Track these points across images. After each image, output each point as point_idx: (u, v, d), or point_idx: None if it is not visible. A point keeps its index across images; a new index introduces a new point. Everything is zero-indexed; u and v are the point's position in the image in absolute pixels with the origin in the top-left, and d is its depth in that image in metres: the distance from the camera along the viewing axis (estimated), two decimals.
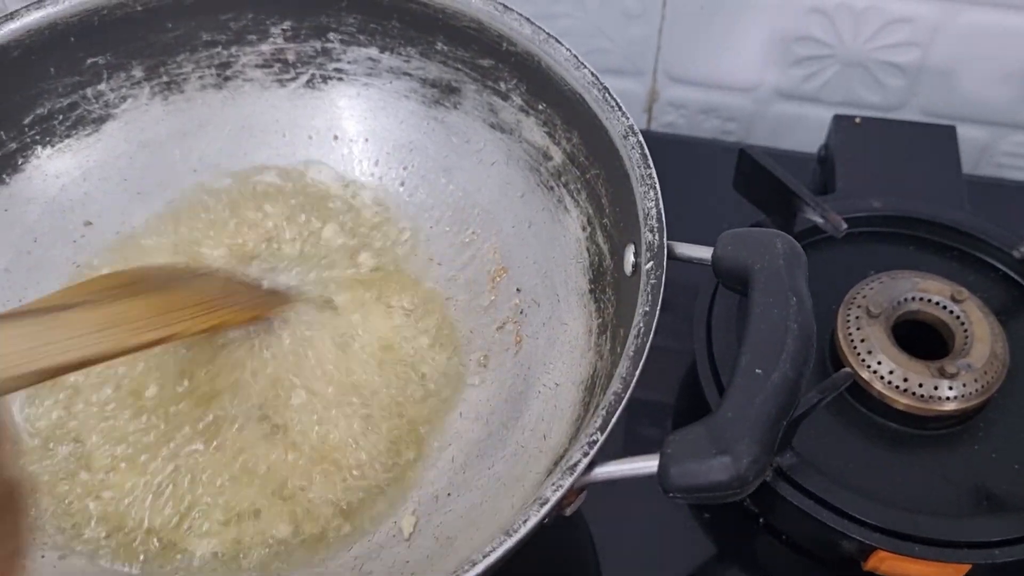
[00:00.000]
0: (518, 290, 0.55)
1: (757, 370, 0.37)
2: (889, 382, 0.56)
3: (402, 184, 0.60)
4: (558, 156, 0.54)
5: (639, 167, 0.46)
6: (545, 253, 0.55)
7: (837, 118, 0.72)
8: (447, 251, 0.58)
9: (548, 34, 0.52)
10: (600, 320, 0.49)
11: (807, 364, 0.38)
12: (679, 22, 0.79)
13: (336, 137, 0.61)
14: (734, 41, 0.80)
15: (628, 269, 0.47)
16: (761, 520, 0.59)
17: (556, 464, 0.45)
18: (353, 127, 0.61)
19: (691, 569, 0.58)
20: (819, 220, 0.61)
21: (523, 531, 0.36)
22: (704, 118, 0.85)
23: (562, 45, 0.52)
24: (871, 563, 0.53)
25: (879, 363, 0.56)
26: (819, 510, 0.53)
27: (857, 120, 0.71)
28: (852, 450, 0.56)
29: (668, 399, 0.64)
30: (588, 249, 0.52)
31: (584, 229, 0.52)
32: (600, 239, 0.51)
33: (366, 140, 0.61)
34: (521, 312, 0.54)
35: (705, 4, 0.78)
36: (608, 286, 0.49)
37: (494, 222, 0.57)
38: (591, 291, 0.51)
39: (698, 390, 0.57)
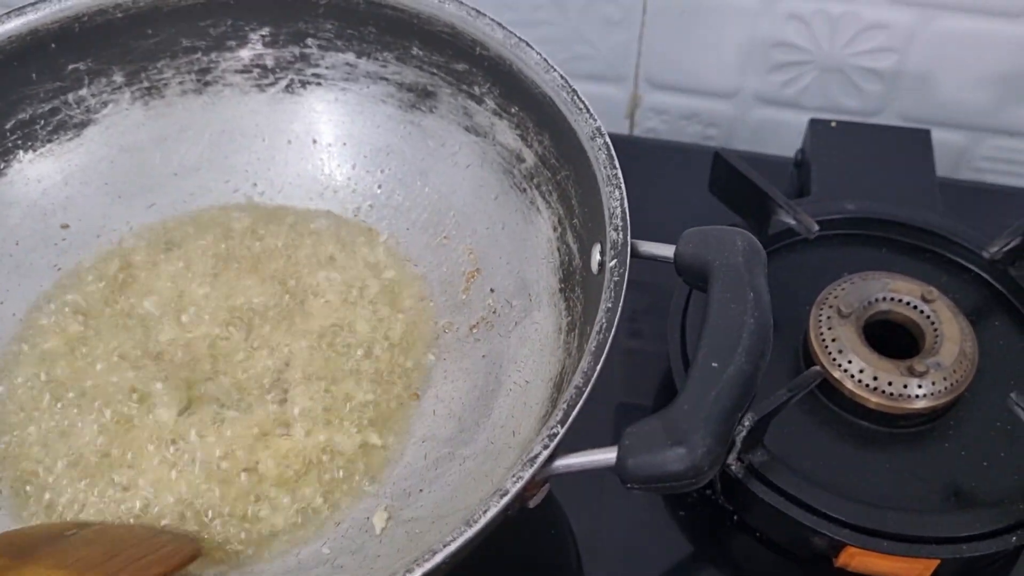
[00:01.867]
0: (492, 290, 0.56)
1: (713, 363, 0.38)
2: (860, 381, 0.57)
3: (379, 187, 0.61)
4: (530, 158, 0.55)
5: (605, 167, 0.47)
6: (518, 254, 0.55)
7: (813, 122, 0.73)
8: (423, 252, 0.59)
9: (519, 38, 0.53)
10: (569, 319, 0.50)
11: (763, 357, 0.39)
12: (659, 28, 0.80)
13: (315, 141, 0.62)
14: (714, 47, 0.80)
15: (595, 268, 0.47)
16: (735, 517, 0.59)
17: (521, 459, 0.45)
18: (331, 131, 0.62)
19: (667, 566, 0.59)
20: (792, 222, 0.61)
21: (483, 521, 0.37)
22: (686, 123, 0.86)
23: (532, 49, 0.53)
24: (842, 559, 0.54)
25: (850, 362, 0.57)
26: (791, 507, 0.54)
27: (833, 124, 0.72)
28: (823, 448, 0.57)
29: (651, 401, 0.65)
30: (559, 249, 0.53)
31: (555, 229, 0.53)
32: (570, 239, 0.52)
33: (344, 144, 0.62)
34: (494, 312, 0.55)
35: (684, 10, 0.78)
36: (577, 285, 0.50)
37: (469, 223, 0.58)
38: (561, 290, 0.52)
39: (675, 391, 0.58)
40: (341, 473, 0.50)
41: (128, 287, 0.58)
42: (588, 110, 0.50)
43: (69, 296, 0.57)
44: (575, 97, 0.50)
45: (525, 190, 0.56)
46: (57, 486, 0.50)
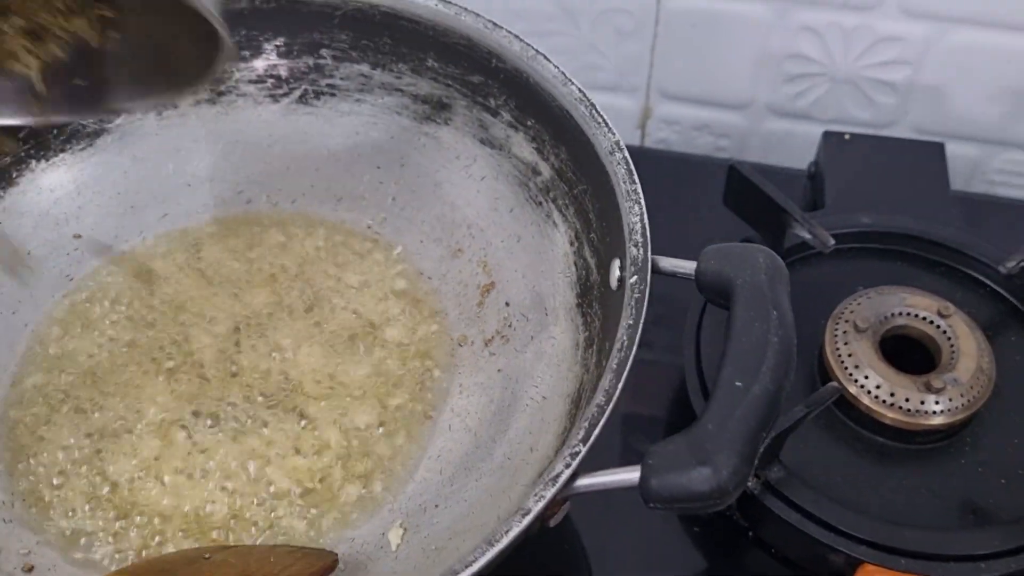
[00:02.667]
0: (507, 304, 0.55)
1: (737, 382, 0.38)
2: (876, 396, 0.56)
3: (393, 199, 0.61)
4: (546, 171, 0.55)
5: (624, 182, 0.47)
6: (534, 267, 0.55)
7: (827, 134, 0.72)
8: (437, 265, 0.59)
9: (536, 51, 0.53)
10: (587, 334, 0.50)
11: (788, 377, 0.38)
12: (672, 39, 0.80)
13: (328, 152, 0.61)
14: (726, 58, 0.80)
15: (614, 283, 0.47)
16: (751, 533, 0.59)
17: (541, 476, 0.45)
18: (345, 142, 0.61)
19: None
20: (807, 236, 0.61)
21: (505, 541, 0.37)
22: (697, 135, 0.86)
23: (550, 62, 0.53)
24: None
25: (866, 377, 0.57)
26: (807, 524, 0.53)
27: (846, 136, 0.72)
28: (840, 464, 0.56)
29: (663, 413, 0.65)
30: (576, 264, 0.52)
31: (572, 244, 0.53)
32: (587, 253, 0.51)
33: (358, 155, 0.61)
34: (509, 326, 0.55)
35: (697, 22, 0.78)
36: (595, 300, 0.50)
37: (483, 236, 0.58)
38: (578, 305, 0.51)
39: (688, 404, 0.58)
40: (355, 488, 0.50)
41: (140, 297, 0.58)
42: (606, 124, 0.49)
43: (81, 307, 0.57)
44: (593, 111, 0.50)
45: (541, 203, 0.55)
46: (67, 490, 0.50)
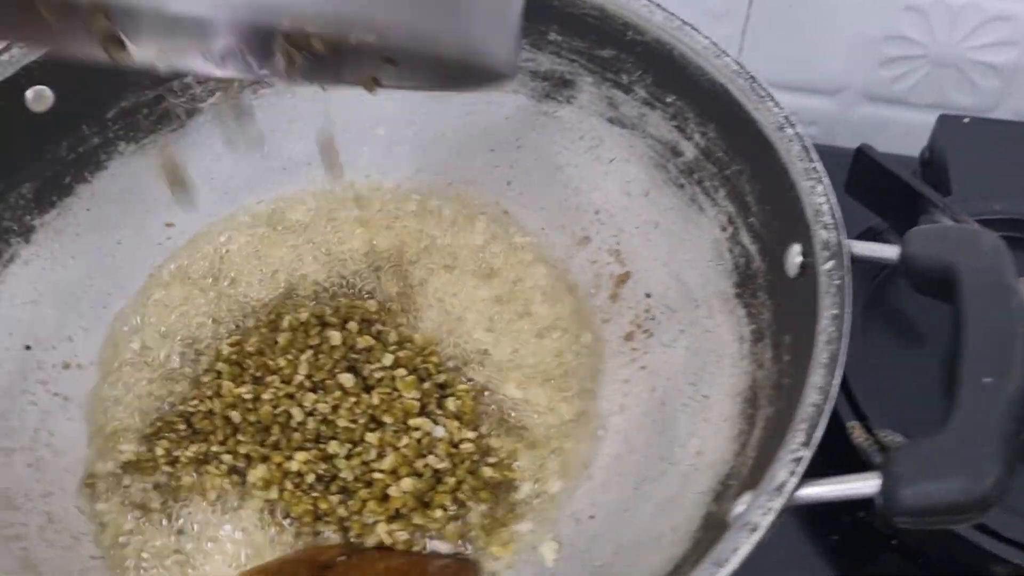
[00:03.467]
0: (647, 295, 0.51)
1: (986, 379, 0.34)
2: None
3: (508, 183, 0.56)
4: (690, 151, 0.51)
5: (801, 160, 0.43)
6: (675, 256, 0.51)
7: (943, 118, 0.69)
8: (560, 254, 0.54)
9: (683, 21, 0.49)
10: (754, 327, 0.46)
11: None
12: (764, 22, 0.76)
13: (437, 133, 0.57)
14: (821, 42, 0.76)
15: (792, 270, 0.43)
16: (894, 541, 0.55)
17: (723, 483, 0.41)
18: (455, 122, 0.57)
19: None
20: (949, 223, 0.57)
21: (735, 561, 0.32)
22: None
23: (699, 33, 0.48)
24: None
25: None
26: (973, 532, 0.49)
27: (965, 120, 0.68)
28: None
29: None
30: (731, 251, 0.48)
31: (724, 229, 0.49)
32: (746, 239, 0.47)
33: (469, 136, 0.57)
34: (652, 319, 0.50)
35: (793, 2, 0.74)
36: (760, 290, 0.46)
37: (614, 223, 0.54)
38: (738, 296, 0.47)
39: None
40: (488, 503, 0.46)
41: (220, 288, 0.53)
42: (771, 98, 0.45)
43: (175, 296, 0.52)
44: (754, 84, 0.46)
45: (683, 186, 0.51)
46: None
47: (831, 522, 0.56)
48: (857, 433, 0.52)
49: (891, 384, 0.54)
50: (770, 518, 0.33)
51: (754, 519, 0.33)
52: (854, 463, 0.52)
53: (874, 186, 0.60)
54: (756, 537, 0.33)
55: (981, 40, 0.74)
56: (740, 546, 0.33)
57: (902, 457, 0.33)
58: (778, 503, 0.33)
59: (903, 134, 0.76)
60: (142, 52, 0.35)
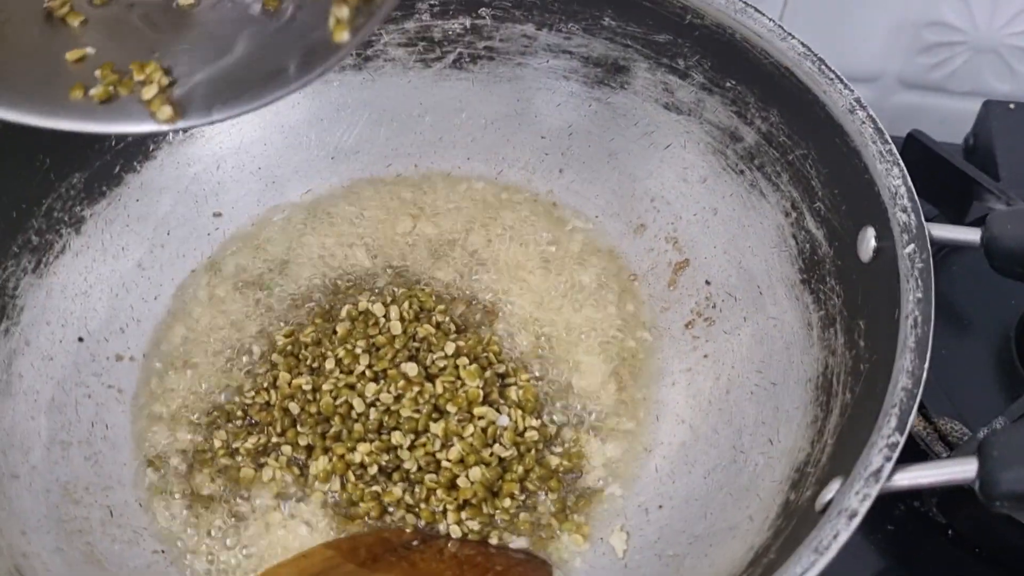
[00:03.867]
0: (707, 283, 0.51)
1: None
2: None
3: (560, 171, 0.56)
4: (750, 137, 0.50)
5: (875, 142, 0.42)
6: (735, 243, 0.50)
7: (988, 103, 0.68)
8: (616, 243, 0.54)
9: (745, 3, 0.48)
10: (822, 312, 0.45)
11: None
12: (802, 8, 0.75)
13: (486, 121, 0.56)
14: (859, 28, 0.76)
15: (867, 255, 0.42)
16: (950, 531, 0.54)
17: (799, 470, 0.40)
18: (503, 110, 0.56)
19: None
20: (1004, 208, 0.57)
21: (834, 548, 0.32)
22: None
23: (763, 15, 0.48)
24: None
25: None
26: None
27: (1011, 106, 0.68)
28: None
29: None
30: (794, 236, 0.48)
31: (787, 215, 0.48)
32: (811, 225, 0.47)
33: (518, 124, 0.56)
34: (713, 306, 0.50)
35: None
36: (828, 275, 0.45)
37: (670, 210, 0.53)
38: (804, 281, 0.47)
39: None
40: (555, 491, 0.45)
41: (272, 279, 0.53)
42: (841, 80, 0.45)
43: (225, 287, 0.52)
44: (823, 66, 0.45)
45: (743, 172, 0.50)
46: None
47: (885, 512, 0.56)
48: (917, 422, 0.51)
49: (947, 373, 0.54)
50: (868, 504, 0.33)
51: (852, 505, 0.33)
52: (912, 451, 0.51)
53: (925, 172, 0.59)
54: (855, 523, 0.32)
55: (1022, 26, 0.73)
56: (840, 532, 0.32)
57: (1000, 441, 0.33)
58: (875, 489, 0.33)
59: (939, 121, 0.76)
60: None
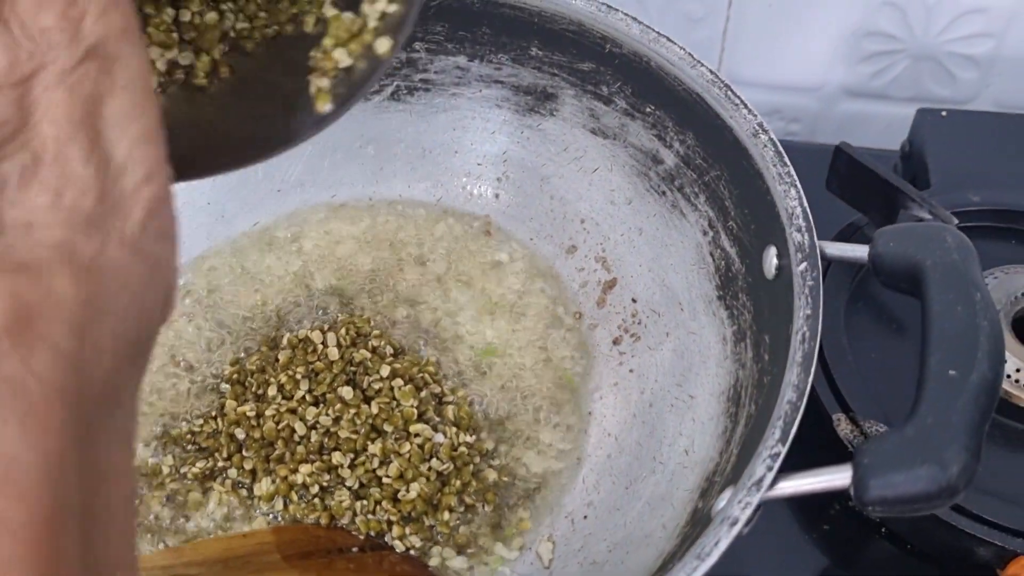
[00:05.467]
0: (633, 300, 0.53)
1: (951, 371, 0.35)
2: (1017, 381, 0.54)
3: (496, 196, 0.58)
4: (670, 159, 0.52)
5: (775, 165, 0.44)
6: (659, 261, 0.52)
7: (921, 112, 0.70)
8: (549, 263, 0.56)
9: (658, 33, 0.50)
10: (735, 327, 0.47)
11: (1002, 363, 0.36)
12: (744, 24, 0.77)
13: (424, 150, 0.59)
14: (801, 40, 0.78)
15: (770, 272, 0.44)
16: (883, 529, 0.56)
17: (708, 479, 0.43)
18: (441, 139, 0.59)
19: None
20: (927, 216, 0.59)
21: (715, 554, 0.34)
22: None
23: (675, 44, 0.50)
24: (1011, 570, 0.51)
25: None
26: (956, 517, 0.51)
27: (943, 113, 0.70)
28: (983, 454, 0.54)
29: None
30: (712, 254, 0.50)
31: (705, 233, 0.50)
32: (726, 243, 0.49)
33: (456, 152, 0.59)
34: (639, 323, 0.52)
35: (773, 2, 0.76)
36: (740, 291, 0.47)
37: (599, 231, 0.55)
38: (720, 297, 0.49)
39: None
40: (493, 504, 0.47)
41: (219, 308, 0.55)
42: (745, 105, 0.47)
43: (172, 316, 0.54)
44: (729, 92, 0.48)
45: (665, 193, 0.53)
46: None
47: (821, 511, 0.58)
48: (843, 426, 0.54)
49: (875, 376, 0.56)
50: (748, 512, 0.35)
51: (734, 513, 0.35)
52: (844, 455, 0.53)
53: (853, 182, 0.62)
54: (736, 530, 0.34)
55: (958, 33, 0.75)
56: (720, 539, 0.34)
57: (871, 449, 0.35)
58: (756, 498, 0.35)
59: (885, 128, 0.78)
60: None
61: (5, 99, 0.22)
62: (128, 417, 0.23)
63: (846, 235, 0.62)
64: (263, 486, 0.48)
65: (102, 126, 0.23)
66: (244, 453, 0.49)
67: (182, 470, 0.49)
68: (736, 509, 0.35)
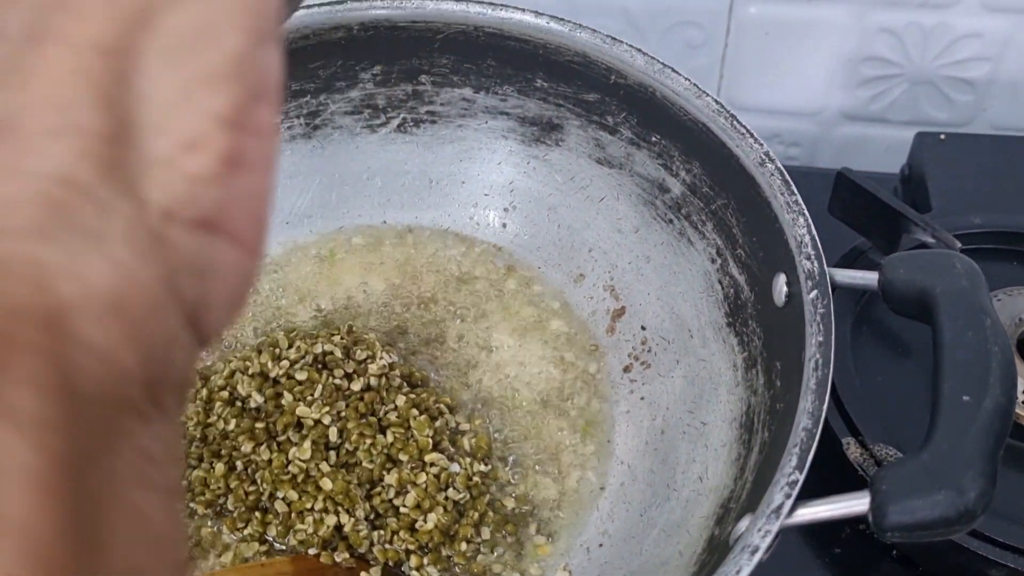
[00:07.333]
0: (643, 328, 0.53)
1: (965, 397, 0.36)
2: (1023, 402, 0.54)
3: (504, 225, 0.58)
4: (676, 188, 0.53)
5: (782, 194, 0.45)
6: (667, 289, 0.53)
7: (920, 135, 0.71)
8: (557, 292, 0.56)
9: (663, 64, 0.51)
10: (745, 354, 0.48)
11: (1015, 387, 0.36)
12: (742, 50, 0.78)
13: (431, 181, 0.59)
14: (799, 65, 0.79)
15: (780, 299, 0.45)
16: (895, 552, 0.56)
17: (724, 506, 0.43)
18: (448, 170, 0.59)
19: None
20: (930, 240, 0.59)
21: None
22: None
23: (679, 75, 0.51)
24: None
25: None
26: (969, 539, 0.51)
27: (942, 136, 0.70)
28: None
29: None
30: (720, 282, 0.50)
31: (713, 261, 0.51)
32: (734, 270, 0.49)
33: (463, 183, 0.59)
34: (649, 351, 0.52)
35: (770, 30, 0.77)
36: (750, 319, 0.48)
37: (607, 259, 0.56)
38: (729, 324, 0.49)
39: None
40: (511, 534, 0.47)
41: (242, 331, 0.55)
42: (751, 135, 0.47)
43: None
44: (735, 122, 0.48)
45: (672, 221, 0.53)
46: None
47: (833, 535, 0.58)
48: (852, 449, 0.54)
49: (883, 400, 0.56)
50: (768, 540, 0.35)
51: (754, 541, 0.35)
52: (852, 478, 0.53)
53: (856, 207, 0.62)
54: (757, 558, 0.35)
55: (954, 57, 0.76)
56: (742, 568, 0.35)
57: (888, 476, 0.35)
58: (775, 525, 0.35)
59: (884, 151, 0.79)
60: None
61: None
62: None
63: (850, 259, 0.62)
64: (278, 520, 0.48)
65: None
66: (254, 487, 0.49)
67: (191, 505, 0.49)
68: (756, 537, 0.35)
